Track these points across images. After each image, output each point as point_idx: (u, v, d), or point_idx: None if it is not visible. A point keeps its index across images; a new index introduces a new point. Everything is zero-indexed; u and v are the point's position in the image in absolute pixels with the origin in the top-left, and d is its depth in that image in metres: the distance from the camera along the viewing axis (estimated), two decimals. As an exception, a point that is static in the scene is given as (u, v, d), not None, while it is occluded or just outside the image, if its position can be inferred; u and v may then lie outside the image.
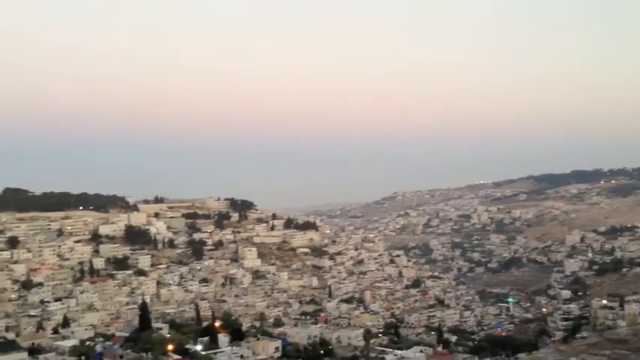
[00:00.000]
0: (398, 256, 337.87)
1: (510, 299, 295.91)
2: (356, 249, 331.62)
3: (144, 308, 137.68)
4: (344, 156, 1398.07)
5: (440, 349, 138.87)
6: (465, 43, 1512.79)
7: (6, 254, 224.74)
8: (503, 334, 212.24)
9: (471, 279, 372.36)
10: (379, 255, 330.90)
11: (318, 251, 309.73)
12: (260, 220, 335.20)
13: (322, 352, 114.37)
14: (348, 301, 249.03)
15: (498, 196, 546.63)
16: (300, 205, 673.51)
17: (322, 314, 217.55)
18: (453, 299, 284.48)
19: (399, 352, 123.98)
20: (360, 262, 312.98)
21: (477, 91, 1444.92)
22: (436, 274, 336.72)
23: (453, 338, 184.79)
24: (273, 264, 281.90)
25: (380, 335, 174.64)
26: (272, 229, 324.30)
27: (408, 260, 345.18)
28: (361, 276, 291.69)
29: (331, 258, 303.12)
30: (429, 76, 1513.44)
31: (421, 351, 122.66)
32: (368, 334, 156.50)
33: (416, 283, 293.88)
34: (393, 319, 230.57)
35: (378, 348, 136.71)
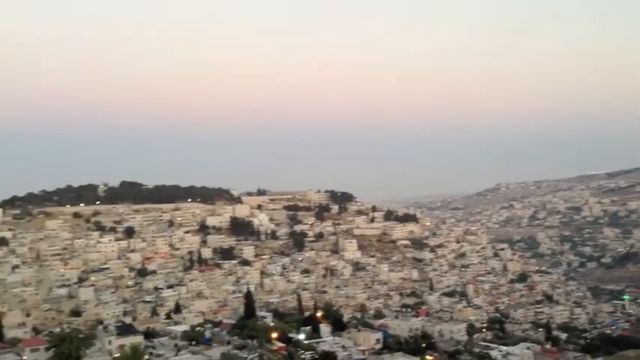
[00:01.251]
0: (502, 249, 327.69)
1: (626, 297, 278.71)
2: (457, 242, 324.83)
3: (249, 297, 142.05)
4: (443, 147, 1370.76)
5: (548, 346, 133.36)
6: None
7: (123, 243, 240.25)
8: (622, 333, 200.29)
9: (581, 274, 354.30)
10: (482, 248, 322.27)
11: (418, 243, 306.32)
12: (360, 212, 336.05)
13: (424, 345, 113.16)
14: (449, 294, 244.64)
15: (612, 187, 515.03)
16: (400, 197, 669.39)
17: (423, 307, 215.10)
18: (562, 295, 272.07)
19: (504, 348, 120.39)
20: (462, 255, 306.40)
21: (596, 77, 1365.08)
22: (543, 268, 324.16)
23: (563, 336, 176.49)
24: (373, 256, 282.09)
25: (484, 330, 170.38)
26: (372, 221, 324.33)
27: (513, 254, 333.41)
28: (463, 269, 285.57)
29: (432, 250, 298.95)
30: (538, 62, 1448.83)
31: (528, 348, 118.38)
32: (471, 329, 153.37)
33: (522, 277, 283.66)
34: (498, 314, 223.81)
35: (482, 343, 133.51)
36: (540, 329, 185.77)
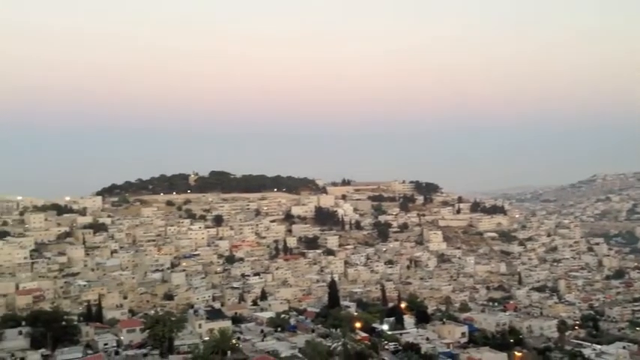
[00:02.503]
0: (597, 244, 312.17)
1: None
2: (549, 235, 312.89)
3: (333, 286, 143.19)
4: (533, 137, 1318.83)
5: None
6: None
7: (212, 231, 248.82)
8: None
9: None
10: (575, 242, 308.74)
11: (506, 236, 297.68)
12: (445, 204, 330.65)
13: (512, 340, 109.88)
14: (539, 289, 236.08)
15: None
16: (487, 188, 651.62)
17: (511, 302, 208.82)
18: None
19: (598, 346, 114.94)
20: (554, 249, 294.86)
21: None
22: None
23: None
24: (458, 248, 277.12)
25: (576, 327, 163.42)
26: (458, 212, 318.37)
27: (609, 249, 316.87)
28: (554, 264, 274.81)
29: (521, 244, 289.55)
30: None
31: (624, 347, 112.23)
32: (563, 326, 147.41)
33: (618, 273, 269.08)
34: (592, 312, 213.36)
35: (574, 341, 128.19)
36: (638, 328, 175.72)
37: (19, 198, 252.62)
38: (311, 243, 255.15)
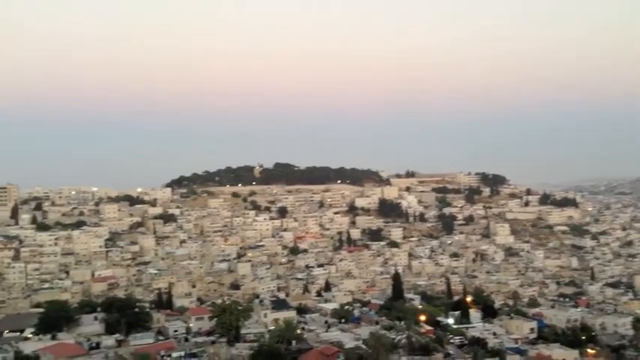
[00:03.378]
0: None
1: None
2: (624, 229, 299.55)
3: (397, 279, 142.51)
4: (603, 127, 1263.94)
5: None
6: None
7: (277, 222, 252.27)
8: None
9: None
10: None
11: (578, 230, 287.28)
12: (513, 196, 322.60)
13: (583, 337, 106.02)
14: (614, 285, 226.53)
15: None
16: (558, 180, 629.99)
17: (583, 297, 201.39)
18: None
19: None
20: (629, 243, 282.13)
21: None
22: None
23: None
24: (527, 241, 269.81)
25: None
26: (526, 205, 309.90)
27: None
28: (630, 259, 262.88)
29: (594, 238, 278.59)
30: None
31: None
32: (638, 323, 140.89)
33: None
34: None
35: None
36: None
37: (95, 189, 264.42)
38: (375, 235, 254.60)
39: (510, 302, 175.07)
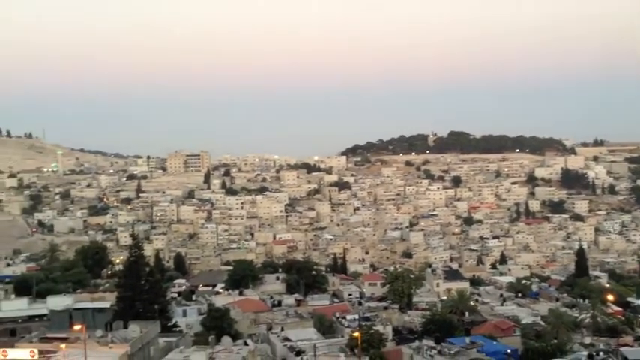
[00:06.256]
0: None
1: None
2: None
3: (580, 254, 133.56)
4: None
5: None
6: None
7: (450, 192, 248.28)
8: None
9: None
10: None
11: None
12: None
13: None
14: None
15: None
16: None
17: None
18: None
19: None
20: None
21: None
22: None
23: None
24: None
25: None
26: None
27: None
28: None
29: None
30: None
31: None
32: None
33: None
34: None
35: None
36: None
37: (276, 157, 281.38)
38: (556, 207, 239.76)
39: None
